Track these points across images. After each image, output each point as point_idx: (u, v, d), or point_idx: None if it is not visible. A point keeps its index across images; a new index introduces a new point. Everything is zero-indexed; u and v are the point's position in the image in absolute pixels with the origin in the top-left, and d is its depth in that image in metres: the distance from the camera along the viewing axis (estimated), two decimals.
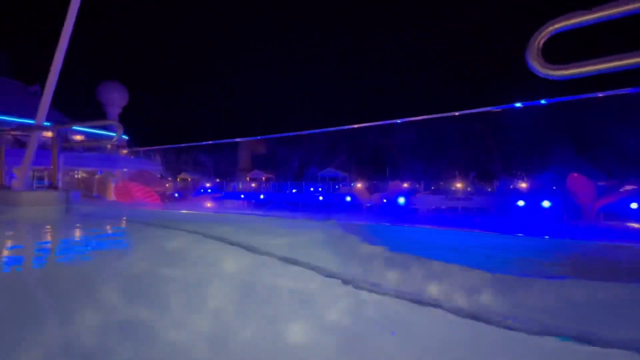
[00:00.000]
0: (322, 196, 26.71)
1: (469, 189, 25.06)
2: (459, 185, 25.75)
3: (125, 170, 22.46)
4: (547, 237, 3.54)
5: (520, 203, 20.72)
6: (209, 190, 31.11)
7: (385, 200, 21.39)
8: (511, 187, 24.33)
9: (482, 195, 23.07)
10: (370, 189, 24.82)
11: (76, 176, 22.85)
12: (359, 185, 29.59)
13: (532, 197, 20.72)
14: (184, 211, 6.88)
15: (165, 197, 17.94)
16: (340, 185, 30.64)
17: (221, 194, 30.35)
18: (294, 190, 31.05)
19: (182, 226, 3.30)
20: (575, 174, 16.58)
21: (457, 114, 10.28)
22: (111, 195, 18.82)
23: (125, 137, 25.04)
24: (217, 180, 35.67)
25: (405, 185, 25.08)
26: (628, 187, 18.46)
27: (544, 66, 1.56)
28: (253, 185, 32.70)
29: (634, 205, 17.75)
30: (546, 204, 20.11)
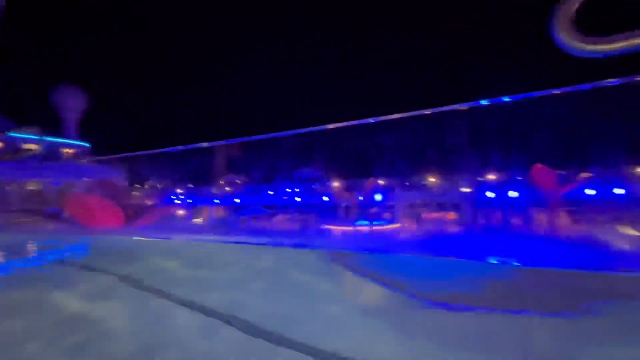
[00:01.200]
0: (300, 197, 26.47)
1: (442, 183, 25.83)
2: (432, 179, 26.46)
3: (86, 179, 20.99)
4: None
5: (489, 194, 21.68)
6: (180, 198, 29.87)
7: (361, 199, 21.55)
8: (481, 179, 25.34)
9: (455, 190, 23.85)
10: (347, 188, 24.94)
11: (28, 189, 21.05)
12: (335, 184, 29.63)
13: (501, 188, 21.73)
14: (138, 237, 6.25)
15: (130, 210, 16.75)
16: (317, 185, 30.54)
17: (192, 201, 29.26)
18: (270, 192, 30.53)
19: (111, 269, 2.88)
20: (539, 165, 17.53)
21: (428, 112, 10.44)
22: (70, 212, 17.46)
23: (86, 144, 23.36)
24: (190, 186, 34.35)
25: (382, 182, 25.42)
26: (584, 175, 19.78)
27: (573, 38, 1.45)
28: (228, 189, 31.80)
29: (590, 191, 19.12)
30: (513, 194, 21.18)
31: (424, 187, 25.35)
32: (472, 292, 5.06)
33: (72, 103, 30.30)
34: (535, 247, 15.80)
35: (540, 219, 22.00)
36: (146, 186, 35.81)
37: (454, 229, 22.41)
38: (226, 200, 28.29)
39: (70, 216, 17.27)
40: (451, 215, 25.22)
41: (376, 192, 21.36)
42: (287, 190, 30.24)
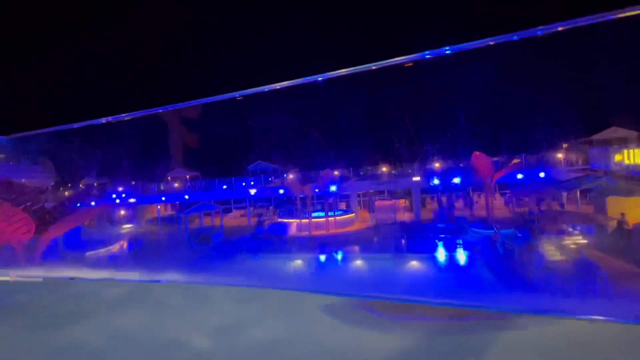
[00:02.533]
0: (255, 190, 25.74)
1: (394, 172, 26.88)
2: (384, 169, 27.41)
3: None
4: None
5: (436, 181, 23.17)
6: (121, 197, 27.28)
7: (317, 190, 21.60)
8: (428, 167, 26.90)
9: (406, 178, 24.99)
10: (302, 180, 24.80)
11: None
12: (290, 176, 29.34)
13: (446, 175, 23.31)
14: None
15: (46, 217, 13.57)
16: (272, 178, 29.96)
17: (135, 200, 26.91)
18: (224, 187, 29.27)
19: None
20: (478, 152, 19.01)
21: None
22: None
23: None
24: (133, 183, 31.48)
25: (336, 173, 25.70)
26: (515, 161, 21.98)
27: None
28: (176, 185, 29.75)
29: (520, 176, 21.39)
30: (456, 180, 22.88)
31: (376, 177, 26.21)
32: None
33: None
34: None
35: (480, 203, 24.14)
36: (81, 185, 32.03)
37: (405, 216, 23.66)
38: (173, 197, 26.47)
39: None
40: (402, 201, 26.54)
41: (331, 183, 21.54)
42: (243, 184, 29.23)
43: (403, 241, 15.91)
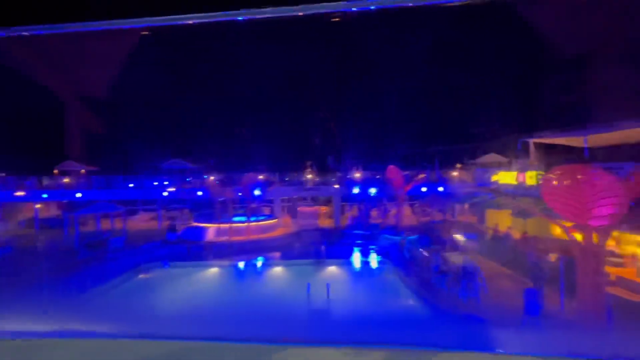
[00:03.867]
0: (168, 192, 23.30)
1: (317, 179, 27.67)
2: (309, 176, 28.01)
3: None
4: None
5: (356, 190, 24.74)
6: None
7: (240, 194, 20.75)
8: (348, 177, 28.55)
9: (329, 186, 25.97)
10: (224, 182, 23.52)
11: None
12: (211, 178, 27.55)
13: (364, 185, 25.10)
14: None
15: None
16: (191, 178, 27.64)
17: None
18: (130, 185, 25.69)
19: None
20: (392, 166, 21.01)
21: None
22: None
23: None
24: (3, 175, 25.12)
25: (261, 177, 25.17)
26: (421, 175, 24.99)
27: None
28: (66, 180, 24.87)
29: (424, 189, 24.43)
30: (373, 190, 24.84)
31: (300, 183, 26.59)
32: None
33: None
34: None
35: (392, 211, 26.65)
36: None
37: (326, 222, 24.52)
38: (60, 194, 22.03)
39: None
40: (324, 208, 27.48)
41: (255, 186, 20.94)
42: (155, 183, 26.17)
43: (323, 247, 16.41)
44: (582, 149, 15.55)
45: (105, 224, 22.24)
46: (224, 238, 18.60)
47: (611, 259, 9.67)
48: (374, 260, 14.82)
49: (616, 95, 27.03)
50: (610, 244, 9.17)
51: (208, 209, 23.66)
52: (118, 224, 21.01)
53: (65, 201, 22.49)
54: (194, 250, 16.25)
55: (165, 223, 22.48)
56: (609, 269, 8.77)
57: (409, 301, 10.41)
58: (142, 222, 25.57)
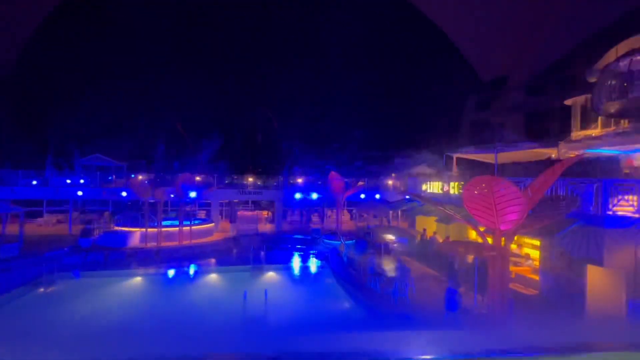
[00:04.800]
0: (82, 190, 20.30)
1: (259, 183, 27.03)
2: (250, 179, 27.22)
3: None
4: None
5: (298, 196, 24.78)
6: None
7: (172, 196, 19.11)
8: (291, 182, 28.51)
9: (270, 190, 25.55)
10: (155, 183, 21.42)
11: None
12: (139, 177, 24.93)
13: (306, 190, 25.28)
14: None
15: None
16: (114, 177, 24.63)
17: None
18: (34, 182, 21.79)
19: None
20: (333, 172, 21.60)
21: None
22: None
23: None
24: None
25: (198, 178, 23.61)
26: (361, 183, 26.15)
27: None
28: None
29: (362, 196, 25.59)
30: (314, 195, 25.17)
31: (241, 186, 25.66)
32: None
33: None
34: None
35: (332, 216, 27.31)
36: None
37: (267, 227, 24.02)
38: None
39: None
40: (265, 213, 26.90)
41: (191, 188, 19.47)
42: (68, 181, 22.58)
43: (262, 253, 16.00)
44: (489, 165, 18.08)
45: None
46: (152, 244, 16.88)
47: (512, 259, 11.30)
48: (313, 264, 14.95)
49: (519, 117, 32.11)
50: (512, 247, 10.71)
51: (132, 212, 21.25)
52: (12, 228, 17.57)
53: None
54: (112, 257, 14.38)
55: (78, 227, 19.55)
56: (511, 268, 10.23)
57: (345, 303, 10.70)
58: (47, 226, 21.86)
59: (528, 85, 32.35)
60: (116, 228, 18.52)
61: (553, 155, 14.77)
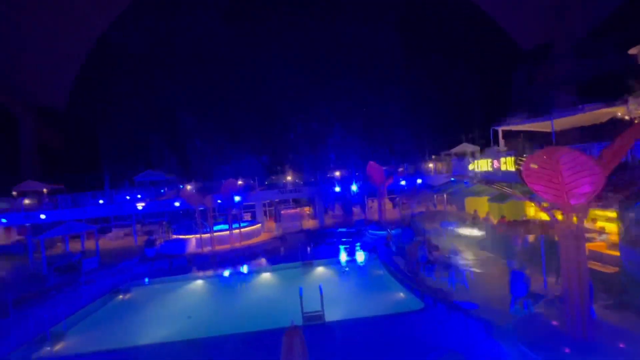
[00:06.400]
0: (143, 204, 22.11)
1: (297, 181, 27.41)
2: (289, 178, 27.70)
3: None
4: None
5: (337, 189, 24.73)
6: None
7: (219, 201, 20.08)
8: (328, 175, 28.54)
9: (309, 186, 25.79)
10: (202, 191, 22.68)
11: None
12: (188, 187, 26.54)
13: (345, 183, 25.14)
14: None
15: None
16: (166, 189, 26.47)
17: None
18: (100, 202, 24.17)
19: None
20: (372, 162, 21.18)
21: None
22: None
23: None
24: None
25: (240, 182, 24.57)
26: (400, 169, 25.40)
27: None
28: (27, 202, 23.00)
29: (403, 182, 24.81)
30: (354, 187, 24.94)
31: (280, 186, 26.22)
32: None
33: None
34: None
35: (373, 207, 26.90)
36: None
37: (310, 223, 24.34)
38: (21, 217, 20.31)
39: None
40: (307, 209, 27.27)
41: (235, 193, 20.33)
42: (127, 197, 24.76)
43: (309, 248, 16.22)
44: (543, 134, 16.43)
45: (76, 245, 20.78)
46: (207, 248, 17.94)
47: (586, 235, 10.26)
48: (361, 256, 14.83)
49: (570, 82, 28.99)
50: (586, 221, 9.70)
51: (187, 220, 22.76)
52: (90, 244, 19.72)
53: (28, 225, 20.77)
54: (175, 264, 15.53)
55: (142, 238, 21.39)
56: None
57: (400, 294, 10.48)
58: (116, 240, 24.18)
59: (575, 47, 29.20)
60: (174, 236, 19.93)
61: (619, 114, 13.08)
